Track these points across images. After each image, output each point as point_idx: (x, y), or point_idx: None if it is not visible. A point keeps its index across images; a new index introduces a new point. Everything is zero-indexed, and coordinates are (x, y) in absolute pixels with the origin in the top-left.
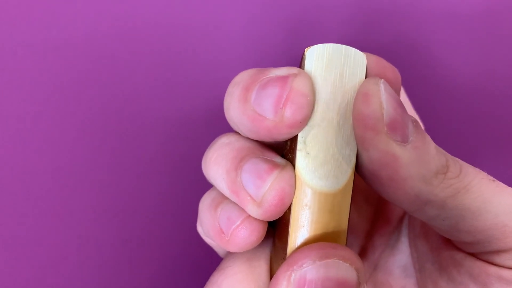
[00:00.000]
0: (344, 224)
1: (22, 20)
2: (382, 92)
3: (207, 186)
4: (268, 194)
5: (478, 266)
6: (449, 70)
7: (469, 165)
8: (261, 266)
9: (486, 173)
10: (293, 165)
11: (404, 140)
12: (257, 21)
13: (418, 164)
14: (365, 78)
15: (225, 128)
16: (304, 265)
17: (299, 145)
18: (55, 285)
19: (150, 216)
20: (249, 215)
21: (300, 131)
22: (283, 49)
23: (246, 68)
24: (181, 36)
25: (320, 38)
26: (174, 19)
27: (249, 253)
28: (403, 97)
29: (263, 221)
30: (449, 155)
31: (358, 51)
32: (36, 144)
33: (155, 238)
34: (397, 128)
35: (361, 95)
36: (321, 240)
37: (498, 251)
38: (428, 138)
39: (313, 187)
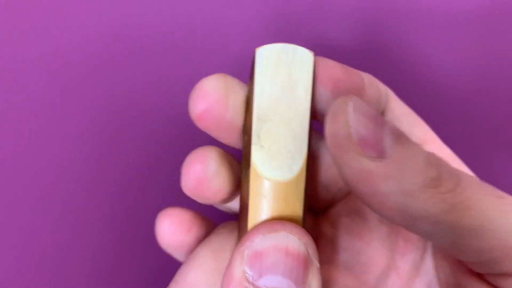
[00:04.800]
0: (298, 211)
1: (22, 20)
2: (349, 111)
3: None
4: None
5: None
6: (448, 70)
7: (473, 178)
8: (227, 256)
9: (494, 188)
10: (250, 158)
11: (380, 156)
12: (258, 19)
13: (399, 178)
14: (313, 74)
15: None
16: (255, 240)
17: (254, 139)
18: (55, 284)
19: (151, 216)
20: None
21: (213, 126)
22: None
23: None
24: (181, 35)
25: (319, 36)
26: (173, 18)
27: (216, 244)
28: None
29: None
30: (445, 166)
31: (305, 49)
32: (36, 144)
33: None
34: (370, 144)
35: (329, 114)
36: None
37: (505, 274)
38: (415, 149)
39: (268, 177)
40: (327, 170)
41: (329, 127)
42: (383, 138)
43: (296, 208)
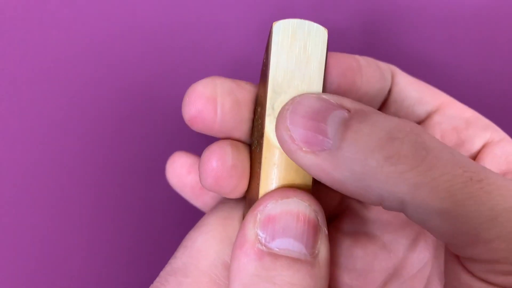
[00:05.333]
0: (308, 181)
1: (22, 20)
2: (287, 117)
3: None
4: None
5: (454, 270)
6: (448, 70)
7: (448, 155)
8: (234, 224)
9: (473, 165)
10: (263, 129)
11: (323, 148)
12: (257, 19)
13: (349, 163)
14: (326, 50)
15: None
16: (268, 205)
17: (268, 111)
18: (55, 284)
19: (151, 215)
20: None
21: (205, 129)
22: None
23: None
24: (180, 35)
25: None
26: (173, 18)
27: (224, 213)
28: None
29: None
30: (411, 140)
31: (319, 26)
32: (37, 143)
33: (157, 237)
34: (311, 140)
35: (275, 123)
36: None
37: (472, 259)
38: (369, 128)
39: (280, 147)
40: None
41: (276, 134)
42: (325, 130)
43: (306, 178)
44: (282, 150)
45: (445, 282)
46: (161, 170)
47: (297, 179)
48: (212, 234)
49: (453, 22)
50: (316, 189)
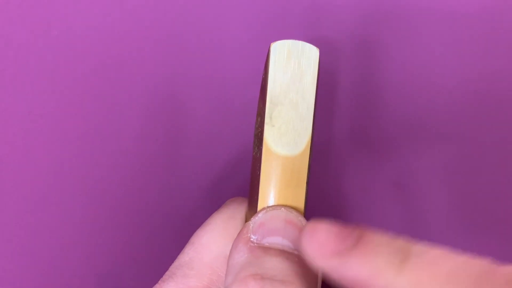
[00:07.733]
0: (302, 181)
1: (22, 20)
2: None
3: (206, 185)
4: None
5: None
6: (448, 70)
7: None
8: (237, 223)
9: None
10: (262, 136)
11: None
12: (257, 19)
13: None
14: (318, 66)
15: (227, 126)
16: (259, 215)
17: (266, 119)
18: (54, 284)
19: (152, 215)
20: None
21: None
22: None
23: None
24: (181, 35)
25: (318, 36)
26: (174, 18)
27: (228, 213)
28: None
29: None
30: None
31: (312, 45)
32: (38, 143)
33: (157, 236)
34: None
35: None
36: (284, 194)
37: None
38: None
39: (278, 152)
40: None
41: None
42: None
43: (301, 179)
44: (279, 154)
45: None
46: (160, 170)
47: (293, 180)
48: (216, 232)
49: (453, 26)
50: None
